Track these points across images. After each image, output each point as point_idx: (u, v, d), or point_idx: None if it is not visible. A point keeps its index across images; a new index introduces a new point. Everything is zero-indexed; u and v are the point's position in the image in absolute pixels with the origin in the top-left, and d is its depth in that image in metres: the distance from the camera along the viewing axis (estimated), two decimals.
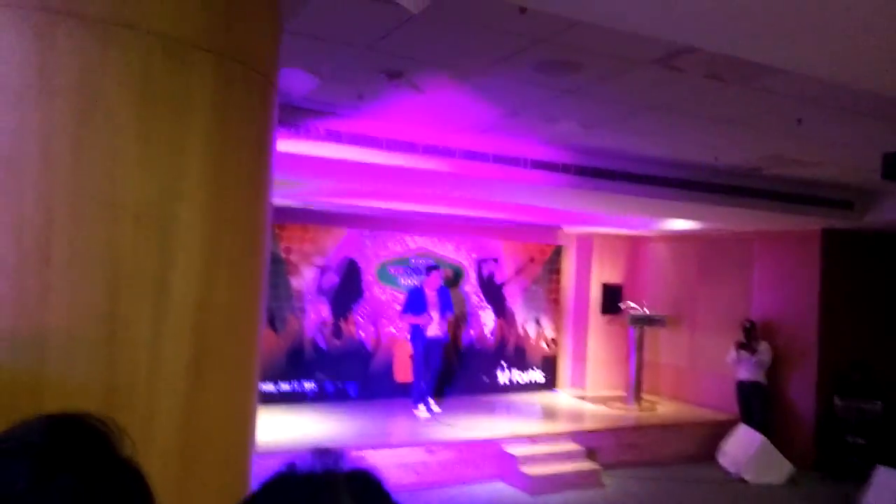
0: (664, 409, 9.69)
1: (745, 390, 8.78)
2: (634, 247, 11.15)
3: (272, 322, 8.42)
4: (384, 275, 9.27)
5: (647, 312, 9.85)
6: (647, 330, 9.91)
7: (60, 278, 1.76)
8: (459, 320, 9.71)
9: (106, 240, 1.81)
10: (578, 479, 7.32)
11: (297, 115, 5.13)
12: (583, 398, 10.11)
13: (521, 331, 10.33)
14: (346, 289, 9.01)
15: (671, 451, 8.56)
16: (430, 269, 8.60)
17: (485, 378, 9.97)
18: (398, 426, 8.11)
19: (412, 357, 8.65)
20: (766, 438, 8.03)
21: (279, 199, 7.26)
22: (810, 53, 3.04)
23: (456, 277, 9.74)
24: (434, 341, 8.45)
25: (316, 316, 8.83)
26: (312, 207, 8.49)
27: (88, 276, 1.79)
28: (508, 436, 7.64)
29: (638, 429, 8.58)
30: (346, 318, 9.01)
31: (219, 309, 2.05)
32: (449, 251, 9.74)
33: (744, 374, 8.77)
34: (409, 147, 5.61)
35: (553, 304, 10.64)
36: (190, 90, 1.96)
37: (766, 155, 6.25)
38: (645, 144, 6.04)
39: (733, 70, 3.96)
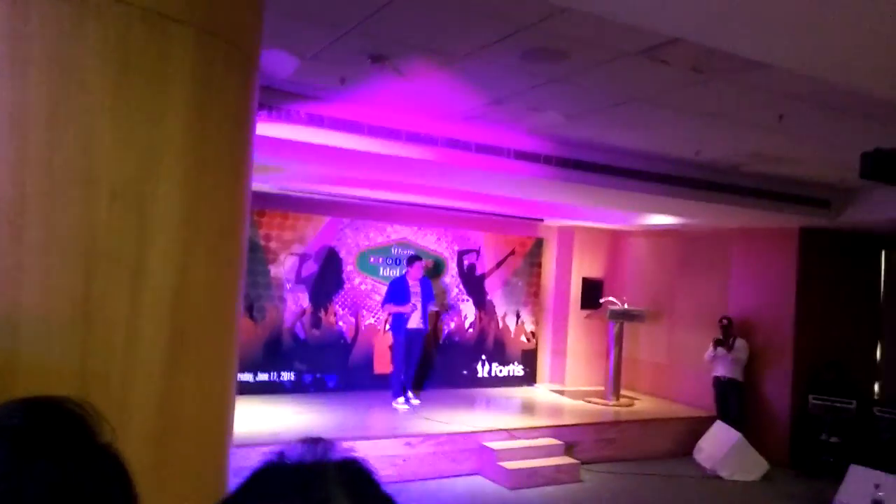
0: (642, 404, 9.75)
1: (722, 387, 8.85)
2: (615, 241, 11.19)
3: (250, 311, 8.34)
4: (364, 264, 9.22)
5: (627, 307, 9.89)
6: (627, 325, 9.96)
7: (33, 257, 1.70)
8: (442, 311, 9.70)
9: (81, 217, 1.75)
10: (557, 474, 7.34)
11: (278, 98, 5.06)
12: (562, 393, 10.14)
13: (500, 324, 10.34)
14: (326, 278, 8.95)
15: (649, 446, 8.61)
16: (413, 259, 8.56)
17: (464, 371, 9.97)
18: (377, 418, 8.07)
19: (392, 348, 8.62)
20: (742, 436, 8.10)
21: (258, 185, 7.18)
22: (797, 48, 3.04)
23: (437, 268, 9.71)
24: (415, 332, 8.42)
25: (295, 305, 8.76)
26: (292, 194, 8.41)
27: (62, 256, 1.73)
28: (487, 430, 7.64)
29: (616, 424, 8.62)
30: (325, 309, 8.94)
31: (197, 290, 1.99)
32: (430, 241, 9.71)
33: (721, 370, 8.85)
34: (391, 134, 5.57)
35: (533, 297, 10.65)
36: (169, 64, 1.90)
37: (747, 151, 6.29)
38: (627, 137, 6.05)
39: (718, 64, 3.97)
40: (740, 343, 8.78)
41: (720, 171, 7.10)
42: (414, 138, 5.66)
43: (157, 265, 1.88)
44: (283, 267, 8.68)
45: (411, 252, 9.12)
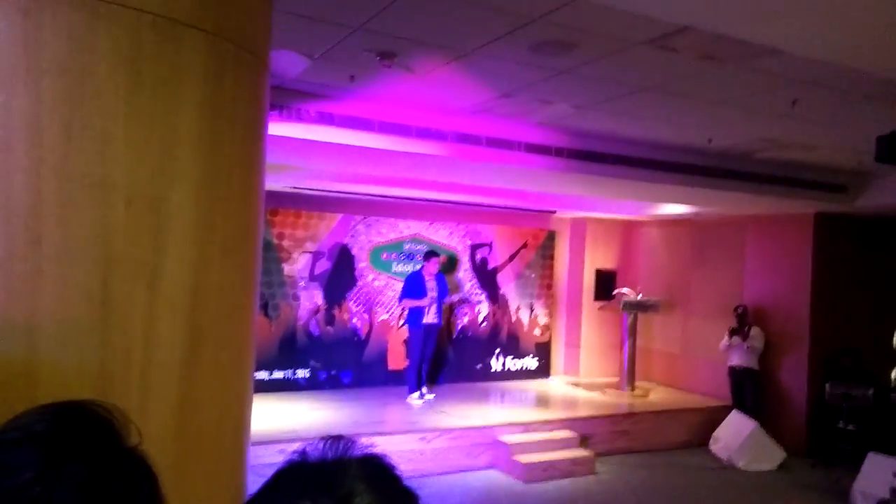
0: (657, 395, 9.72)
1: (738, 376, 8.81)
2: (628, 232, 11.14)
3: (265, 309, 8.38)
4: (377, 260, 9.24)
5: (641, 298, 9.86)
6: (641, 316, 9.93)
7: (51, 262, 1.72)
8: (458, 306, 9.72)
9: (97, 222, 1.77)
10: (572, 467, 7.34)
11: (288, 98, 5.07)
12: (576, 385, 10.13)
13: (514, 317, 10.33)
14: (340, 275, 8.98)
15: (664, 437, 8.59)
16: (429, 254, 8.57)
17: (478, 365, 9.98)
18: (392, 414, 8.10)
19: (407, 342, 8.63)
20: (758, 425, 8.06)
21: (270, 184, 7.19)
22: (807, 32, 3.01)
23: (451, 263, 9.72)
24: (430, 326, 8.44)
25: (309, 303, 8.79)
26: (304, 192, 8.44)
27: (80, 260, 1.75)
28: (502, 423, 7.65)
29: (631, 416, 8.60)
30: (339, 306, 8.97)
31: (213, 292, 2.01)
32: (442, 236, 9.71)
33: (736, 359, 8.80)
34: (402, 130, 5.56)
35: (546, 289, 10.63)
36: (181, 69, 1.91)
37: (760, 137, 6.24)
38: (638, 127, 6.01)
39: (728, 51, 3.94)
40: (756, 331, 8.73)
41: (734, 159, 7.04)
42: (424, 134, 5.66)
43: (173, 267, 1.89)
44: (297, 265, 8.71)
45: (424, 247, 9.13)
